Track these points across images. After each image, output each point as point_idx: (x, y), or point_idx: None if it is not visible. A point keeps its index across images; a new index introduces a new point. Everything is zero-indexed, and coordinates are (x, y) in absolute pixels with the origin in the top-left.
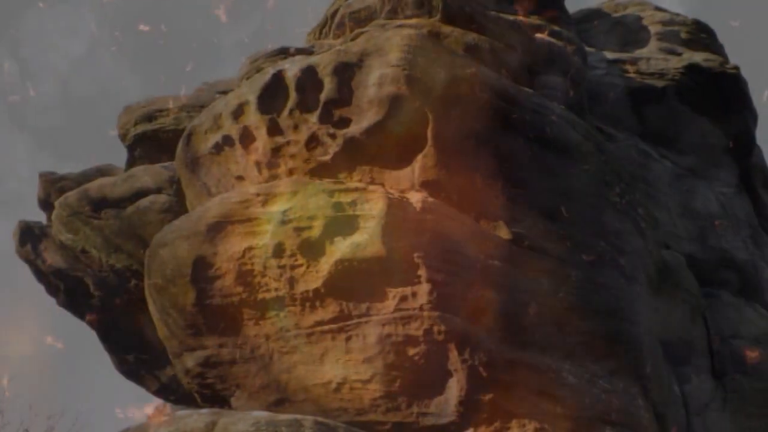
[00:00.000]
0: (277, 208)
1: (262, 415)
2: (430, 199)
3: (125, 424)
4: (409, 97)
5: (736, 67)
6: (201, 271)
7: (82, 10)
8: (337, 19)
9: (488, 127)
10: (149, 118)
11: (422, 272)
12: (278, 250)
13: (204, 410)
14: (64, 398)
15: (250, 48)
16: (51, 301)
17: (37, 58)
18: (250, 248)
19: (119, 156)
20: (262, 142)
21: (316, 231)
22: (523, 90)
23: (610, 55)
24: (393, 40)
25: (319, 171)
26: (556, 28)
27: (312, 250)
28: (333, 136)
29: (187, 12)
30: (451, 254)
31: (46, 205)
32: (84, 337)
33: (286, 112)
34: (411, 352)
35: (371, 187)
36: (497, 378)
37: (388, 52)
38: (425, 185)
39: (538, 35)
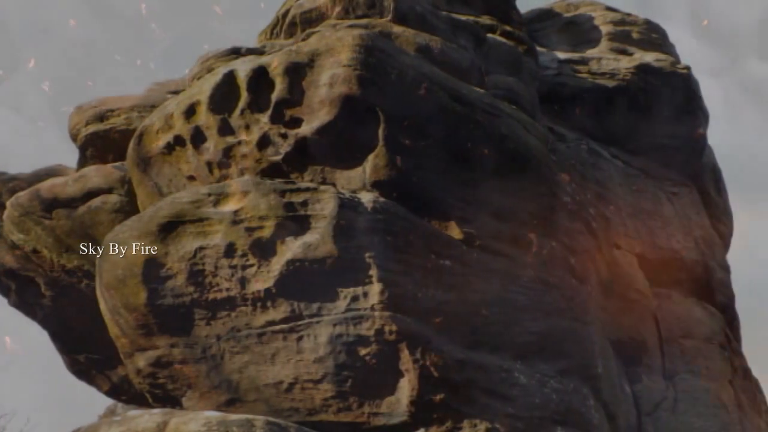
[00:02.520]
0: (228, 208)
1: (214, 415)
2: (382, 199)
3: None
4: (361, 97)
5: (687, 67)
6: (152, 271)
7: None
8: (288, 20)
9: (440, 128)
10: (100, 118)
11: (373, 272)
12: (230, 250)
13: (155, 410)
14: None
15: None
16: None
17: None
18: (201, 248)
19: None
20: (213, 142)
21: (267, 231)
22: (475, 90)
23: (561, 55)
24: (344, 40)
25: (271, 171)
26: (507, 28)
27: (263, 250)
28: (284, 136)
29: None
30: (402, 254)
31: None
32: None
33: (237, 112)
34: (362, 352)
35: (322, 187)
36: (448, 378)
37: (339, 52)
38: (376, 185)
39: (490, 35)
